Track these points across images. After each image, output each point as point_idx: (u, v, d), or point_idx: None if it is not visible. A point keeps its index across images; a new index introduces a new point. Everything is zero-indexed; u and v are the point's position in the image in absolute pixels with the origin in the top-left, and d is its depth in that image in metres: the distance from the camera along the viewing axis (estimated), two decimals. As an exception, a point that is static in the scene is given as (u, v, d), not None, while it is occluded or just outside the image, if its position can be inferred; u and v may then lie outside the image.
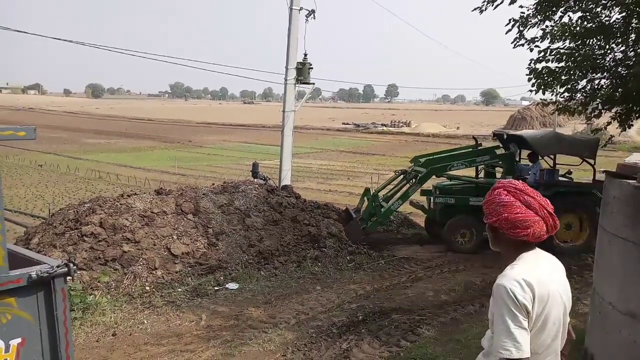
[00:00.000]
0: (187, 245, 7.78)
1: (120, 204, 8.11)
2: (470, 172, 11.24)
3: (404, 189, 9.96)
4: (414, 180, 9.82)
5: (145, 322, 6.17)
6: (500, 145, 10.94)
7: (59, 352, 2.54)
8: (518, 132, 11.88)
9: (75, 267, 2.66)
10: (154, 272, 7.30)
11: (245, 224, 8.53)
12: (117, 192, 12.53)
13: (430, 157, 10.59)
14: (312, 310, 6.58)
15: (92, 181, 23.41)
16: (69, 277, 2.69)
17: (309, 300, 6.98)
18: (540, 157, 10.22)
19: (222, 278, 7.53)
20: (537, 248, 2.09)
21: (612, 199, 3.66)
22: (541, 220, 2.01)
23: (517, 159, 10.55)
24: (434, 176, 10.05)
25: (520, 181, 2.13)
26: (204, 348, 5.47)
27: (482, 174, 11.13)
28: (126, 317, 6.27)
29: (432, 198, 10.60)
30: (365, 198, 10.35)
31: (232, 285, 7.39)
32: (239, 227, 8.44)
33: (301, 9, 11.27)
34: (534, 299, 1.93)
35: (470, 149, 10.83)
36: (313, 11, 11.48)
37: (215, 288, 7.30)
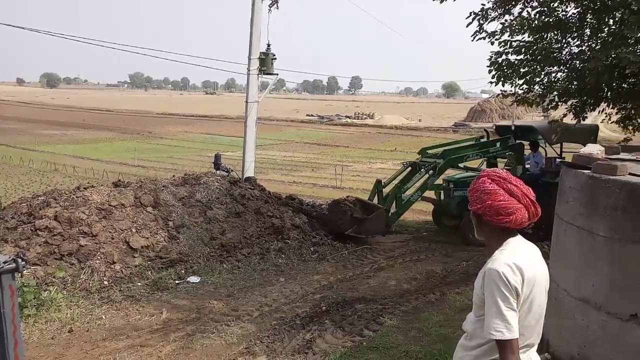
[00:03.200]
0: (147, 238, 7.60)
1: (77, 197, 7.84)
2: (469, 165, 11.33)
3: (422, 180, 9.94)
4: (432, 171, 9.82)
5: (104, 317, 6.00)
6: (500, 137, 11.08)
7: (7, 352, 2.42)
8: (528, 123, 12.06)
9: (24, 263, 2.54)
10: (112, 266, 7.10)
11: (207, 217, 8.40)
12: (73, 185, 12.14)
13: (447, 148, 10.65)
14: (276, 302, 6.54)
15: (47, 173, 22.62)
16: (18, 273, 2.56)
17: (272, 292, 6.94)
18: (540, 146, 10.55)
19: (183, 271, 7.40)
20: (519, 235, 2.16)
21: (568, 189, 3.76)
22: (523, 208, 2.09)
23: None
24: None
25: (505, 170, 2.20)
26: (165, 342, 5.36)
27: (484, 166, 11.24)
28: (83, 312, 6.08)
29: (445, 191, 10.64)
30: (377, 190, 10.32)
31: (194, 279, 7.28)
32: (200, 220, 8.31)
33: (264, -2, 11.12)
34: (523, 281, 2.01)
35: (484, 140, 11.02)
36: (276, 1, 11.36)
37: (176, 282, 7.17)
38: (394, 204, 9.95)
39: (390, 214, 9.80)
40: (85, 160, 27.30)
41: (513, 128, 11.16)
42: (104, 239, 7.29)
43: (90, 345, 5.31)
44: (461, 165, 10.50)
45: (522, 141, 10.63)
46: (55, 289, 6.38)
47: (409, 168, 10.54)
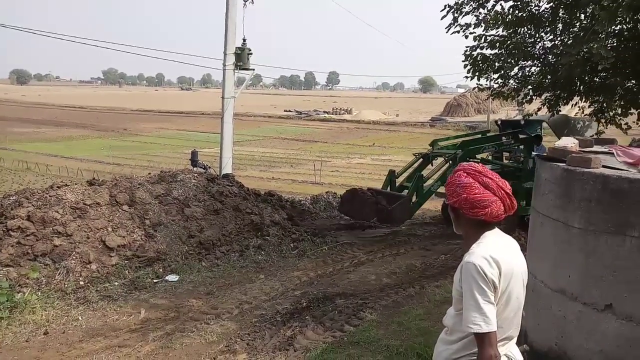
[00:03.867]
0: (123, 237, 7.48)
1: (50, 196, 7.67)
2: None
3: (442, 170, 9.91)
4: (451, 162, 9.76)
5: (80, 318, 5.88)
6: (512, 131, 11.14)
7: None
8: (539, 118, 12.14)
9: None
10: (88, 266, 6.97)
11: (185, 214, 8.31)
12: (46, 184, 11.89)
13: (465, 139, 10.72)
14: (256, 299, 6.51)
15: (19, 172, 22.12)
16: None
17: (252, 289, 6.90)
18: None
19: (161, 270, 7.31)
20: (496, 228, 2.17)
21: (544, 181, 3.81)
22: (498, 200, 2.11)
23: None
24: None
25: (480, 164, 2.20)
26: (143, 342, 5.29)
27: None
28: (59, 314, 5.95)
29: None
30: (390, 180, 10.26)
31: (172, 277, 7.19)
32: (177, 218, 8.21)
33: (239, -8, 11.02)
34: (500, 275, 2.02)
35: (496, 134, 11.10)
36: (251, -5, 11.27)
37: (154, 280, 7.07)
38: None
39: (411, 203, 9.78)
40: (59, 158, 26.77)
41: (523, 122, 11.24)
42: (79, 239, 7.14)
43: (66, 347, 5.21)
44: (478, 156, 10.53)
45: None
46: (29, 291, 6.24)
47: (421, 159, 10.52)
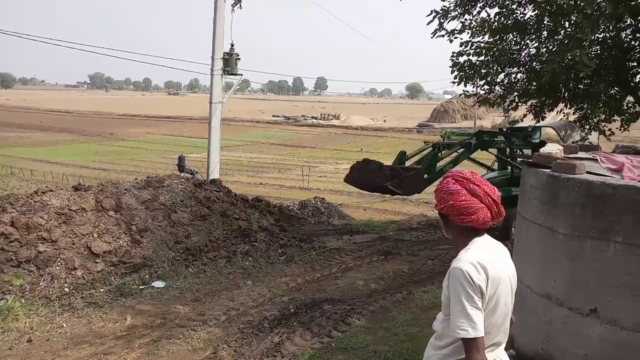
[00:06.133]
0: (109, 243, 7.41)
1: (35, 202, 7.57)
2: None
3: (454, 155, 9.71)
4: (464, 148, 9.60)
5: (65, 325, 5.81)
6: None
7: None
8: (547, 124, 12.11)
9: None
10: (73, 272, 6.89)
11: (171, 220, 8.25)
12: (31, 189, 11.75)
13: (481, 130, 10.65)
14: (243, 306, 6.47)
15: (3, 177, 21.83)
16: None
17: (240, 295, 6.87)
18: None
19: (147, 276, 7.24)
20: (486, 234, 2.19)
21: (529, 187, 3.85)
22: (485, 208, 2.12)
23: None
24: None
25: (469, 171, 2.22)
26: (129, 350, 5.23)
27: (495, 165, 11.19)
28: (43, 321, 5.87)
29: None
30: (401, 160, 10.16)
31: (159, 284, 7.13)
32: (164, 224, 8.15)
33: (227, -3, 11.02)
34: (487, 280, 2.03)
35: (510, 132, 11.09)
36: (239, 1, 11.28)
37: (140, 287, 7.00)
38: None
39: (424, 177, 9.67)
40: (44, 163, 26.48)
41: (530, 129, 11.24)
42: (64, 245, 7.06)
43: (50, 355, 5.14)
44: (491, 150, 10.46)
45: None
46: (12, 298, 6.15)
47: (430, 148, 10.41)
